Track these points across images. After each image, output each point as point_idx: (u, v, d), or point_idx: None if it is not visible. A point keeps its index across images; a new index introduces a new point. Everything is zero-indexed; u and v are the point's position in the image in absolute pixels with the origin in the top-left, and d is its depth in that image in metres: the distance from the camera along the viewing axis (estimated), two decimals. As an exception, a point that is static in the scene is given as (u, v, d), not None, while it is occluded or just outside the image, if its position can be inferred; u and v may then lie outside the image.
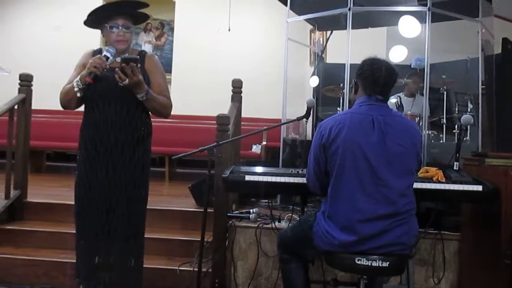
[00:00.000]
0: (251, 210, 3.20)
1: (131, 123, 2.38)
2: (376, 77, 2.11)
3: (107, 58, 2.30)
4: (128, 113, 2.37)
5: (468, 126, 3.62)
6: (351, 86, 2.26)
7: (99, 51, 2.40)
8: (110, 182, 2.35)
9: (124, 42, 2.37)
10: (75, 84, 2.32)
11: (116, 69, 2.24)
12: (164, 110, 2.44)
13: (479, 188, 2.43)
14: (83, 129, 2.42)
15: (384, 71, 2.12)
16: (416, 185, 2.36)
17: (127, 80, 2.23)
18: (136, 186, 2.40)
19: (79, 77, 2.32)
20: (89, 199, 2.37)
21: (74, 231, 2.45)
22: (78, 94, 2.34)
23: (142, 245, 2.48)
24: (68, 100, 2.39)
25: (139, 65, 2.25)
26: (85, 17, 2.42)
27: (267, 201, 3.60)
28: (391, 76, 2.15)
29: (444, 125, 4.12)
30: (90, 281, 2.38)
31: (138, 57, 2.32)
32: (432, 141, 3.96)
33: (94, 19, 2.41)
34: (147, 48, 8.29)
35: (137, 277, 2.45)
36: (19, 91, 3.69)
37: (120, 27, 2.35)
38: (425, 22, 3.54)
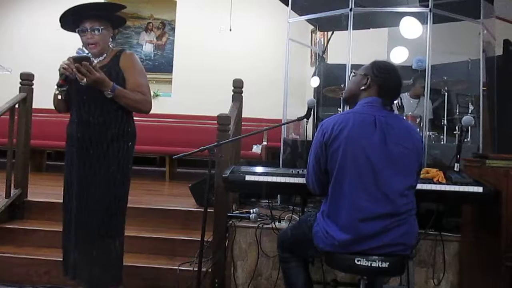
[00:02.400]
0: (251, 210, 3.20)
1: (105, 122, 2.41)
2: (394, 87, 2.16)
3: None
4: (102, 112, 2.41)
5: (469, 128, 3.62)
6: (364, 81, 2.17)
7: None
8: (86, 179, 2.40)
9: (94, 45, 2.40)
10: (55, 86, 2.39)
11: (73, 69, 2.26)
12: (140, 106, 2.45)
13: (479, 189, 2.43)
14: (66, 128, 2.52)
15: (398, 81, 2.17)
16: (417, 186, 2.36)
17: (85, 79, 2.25)
18: (111, 184, 2.42)
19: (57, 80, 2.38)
20: (69, 195, 2.45)
21: None
22: (59, 97, 2.42)
23: (122, 243, 2.51)
24: (56, 103, 2.50)
25: (92, 63, 2.28)
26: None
27: (267, 201, 3.60)
28: (401, 85, 2.21)
29: (445, 126, 4.11)
30: (71, 276, 2.44)
31: (89, 55, 2.33)
32: (433, 142, 3.96)
33: (66, 24, 2.45)
34: (148, 47, 8.31)
35: (116, 274, 2.48)
36: (20, 90, 3.70)
37: (88, 30, 2.38)
38: (427, 23, 3.54)
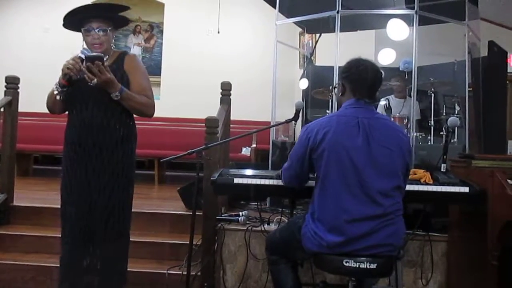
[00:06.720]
0: (240, 213, 3.20)
1: (109, 125, 2.35)
2: (364, 78, 2.13)
3: (82, 59, 2.25)
4: (106, 115, 2.34)
5: (455, 128, 3.66)
6: (335, 86, 2.25)
7: None
8: (90, 184, 2.33)
9: (100, 46, 2.34)
10: (54, 87, 2.31)
11: (83, 68, 2.21)
12: (145, 109, 2.42)
13: (466, 189, 2.45)
14: (65, 132, 2.42)
15: (370, 72, 2.13)
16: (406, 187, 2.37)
17: (95, 79, 2.20)
18: (116, 188, 2.37)
19: (57, 80, 2.30)
20: (71, 202, 2.36)
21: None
22: (58, 97, 2.32)
23: (127, 249, 2.47)
24: (51, 104, 2.39)
25: (105, 63, 2.23)
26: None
27: (256, 203, 3.60)
28: (377, 76, 2.17)
29: (432, 127, 4.15)
30: (72, 285, 2.36)
31: (102, 54, 2.27)
32: (420, 143, 3.99)
33: (70, 22, 2.39)
34: (136, 50, 8.27)
35: (119, 281, 2.43)
36: (6, 93, 3.64)
37: (95, 30, 2.33)
38: (413, 25, 3.58)
